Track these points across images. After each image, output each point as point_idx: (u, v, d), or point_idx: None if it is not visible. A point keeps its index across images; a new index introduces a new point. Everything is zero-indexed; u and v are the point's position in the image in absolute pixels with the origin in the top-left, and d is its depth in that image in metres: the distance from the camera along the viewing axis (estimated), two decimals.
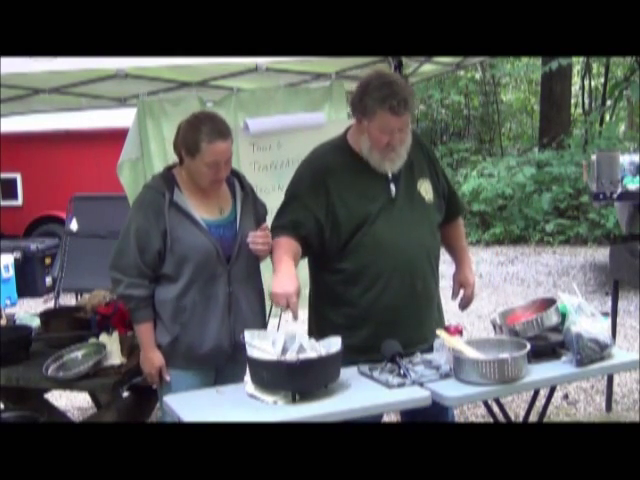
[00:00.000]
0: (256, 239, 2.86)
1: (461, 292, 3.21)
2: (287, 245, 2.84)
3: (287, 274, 2.69)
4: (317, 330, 2.95)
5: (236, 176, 3.05)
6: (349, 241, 2.85)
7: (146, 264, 2.84)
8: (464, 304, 3.22)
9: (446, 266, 3.36)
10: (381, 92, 2.74)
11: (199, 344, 2.87)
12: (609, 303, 5.02)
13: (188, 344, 2.87)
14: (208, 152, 2.77)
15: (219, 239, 2.88)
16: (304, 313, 3.23)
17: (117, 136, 5.68)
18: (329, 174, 2.88)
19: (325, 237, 2.86)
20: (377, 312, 2.85)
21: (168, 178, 2.91)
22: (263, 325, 3.04)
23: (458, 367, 2.58)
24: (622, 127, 14.59)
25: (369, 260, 2.84)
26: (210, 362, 2.91)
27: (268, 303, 2.95)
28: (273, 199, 3.17)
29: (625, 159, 5.34)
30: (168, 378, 2.91)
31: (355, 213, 2.84)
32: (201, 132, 2.78)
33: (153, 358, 2.89)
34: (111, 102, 4.56)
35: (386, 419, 3.42)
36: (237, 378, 2.82)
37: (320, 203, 2.85)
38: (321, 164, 2.93)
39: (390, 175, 2.88)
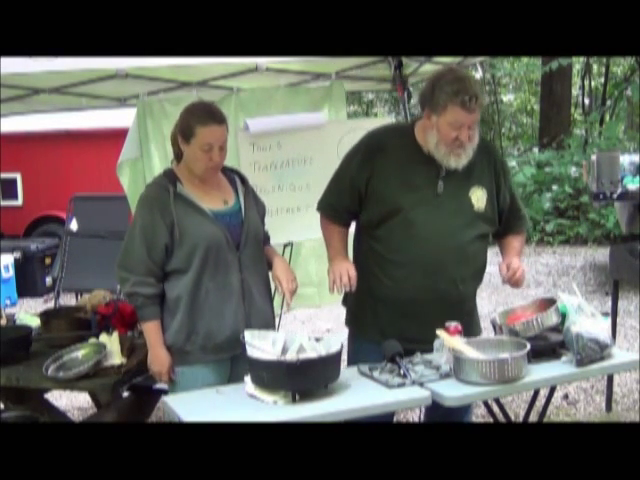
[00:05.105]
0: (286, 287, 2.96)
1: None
2: (340, 235, 3.05)
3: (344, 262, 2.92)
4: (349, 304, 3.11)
5: (236, 173, 3.11)
6: (381, 223, 2.89)
7: (153, 260, 2.84)
8: (509, 276, 2.92)
9: None
10: (453, 86, 2.74)
11: (217, 332, 2.87)
12: (609, 303, 5.01)
13: (206, 333, 2.86)
14: (202, 135, 2.83)
15: (227, 227, 2.90)
16: (303, 313, 3.23)
17: (117, 136, 5.69)
18: (380, 153, 2.93)
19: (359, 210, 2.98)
20: (396, 301, 2.88)
21: (170, 175, 2.95)
22: (273, 312, 3.10)
23: (458, 367, 2.58)
24: (622, 127, 14.58)
25: (398, 246, 2.87)
26: (228, 350, 2.89)
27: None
28: (273, 199, 3.19)
29: (625, 159, 5.32)
30: (173, 377, 2.90)
31: (390, 197, 2.87)
32: (195, 116, 2.86)
33: (162, 356, 2.88)
34: (111, 102, 4.56)
35: None
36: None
37: (362, 177, 2.92)
38: (376, 142, 2.97)
39: (444, 173, 2.88)
